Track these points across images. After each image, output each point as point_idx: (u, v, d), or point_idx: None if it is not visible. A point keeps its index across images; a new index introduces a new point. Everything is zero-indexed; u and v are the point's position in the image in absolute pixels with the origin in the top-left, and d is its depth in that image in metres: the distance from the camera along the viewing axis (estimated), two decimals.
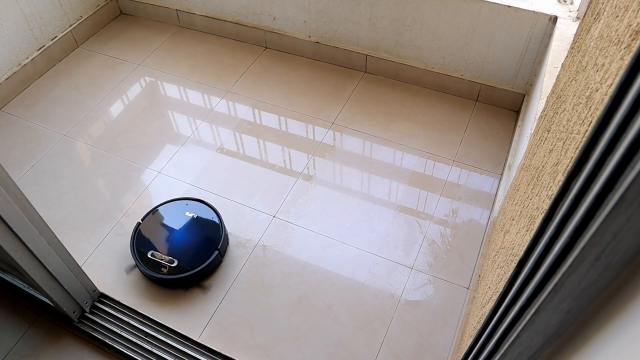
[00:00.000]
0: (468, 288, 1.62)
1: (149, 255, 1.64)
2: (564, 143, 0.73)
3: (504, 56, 2.01)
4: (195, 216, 1.73)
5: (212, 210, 1.76)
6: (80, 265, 1.45)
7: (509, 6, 1.86)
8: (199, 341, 1.50)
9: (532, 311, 0.49)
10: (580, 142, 0.61)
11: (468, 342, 1.01)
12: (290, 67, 2.40)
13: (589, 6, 0.98)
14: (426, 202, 1.86)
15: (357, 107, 2.20)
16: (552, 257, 0.44)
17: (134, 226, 1.73)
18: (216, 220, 1.73)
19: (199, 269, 1.61)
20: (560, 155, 0.73)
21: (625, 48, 0.53)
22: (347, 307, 1.59)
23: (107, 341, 1.49)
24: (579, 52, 0.90)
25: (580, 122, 0.65)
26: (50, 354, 1.52)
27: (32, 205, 1.18)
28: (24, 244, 1.18)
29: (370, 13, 2.13)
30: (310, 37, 2.37)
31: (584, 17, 1.02)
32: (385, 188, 1.91)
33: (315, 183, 1.93)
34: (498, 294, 0.62)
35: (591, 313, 0.43)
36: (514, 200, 1.21)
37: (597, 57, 0.67)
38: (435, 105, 2.19)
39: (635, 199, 0.32)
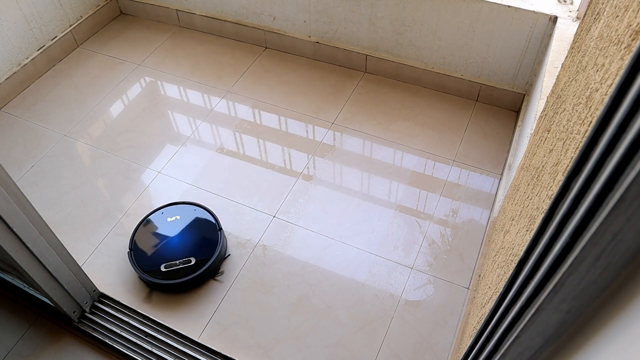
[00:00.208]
0: (468, 288, 1.62)
1: (162, 269, 1.62)
2: (564, 143, 0.73)
3: (504, 56, 2.01)
4: (176, 218, 1.74)
5: (194, 206, 1.77)
6: (80, 265, 1.45)
7: (509, 6, 1.86)
8: (199, 341, 1.50)
9: (532, 311, 0.49)
10: (580, 142, 0.61)
11: (468, 342, 1.01)
12: (290, 67, 2.40)
13: (589, 6, 0.98)
14: (426, 202, 1.86)
15: (357, 107, 2.20)
16: (552, 257, 0.44)
17: (126, 252, 1.71)
18: (207, 216, 1.74)
19: (214, 257, 1.62)
20: (560, 155, 0.73)
21: (625, 48, 0.53)
22: (347, 307, 1.59)
23: (107, 341, 1.49)
24: (579, 52, 0.90)
25: (580, 122, 0.65)
26: (50, 354, 1.52)
27: (32, 205, 1.18)
28: (24, 244, 1.18)
29: (370, 13, 2.13)
30: (310, 37, 2.37)
31: (584, 17, 1.02)
32: (385, 188, 1.91)
33: (315, 183, 1.93)
34: (498, 294, 0.62)
35: (591, 313, 0.43)
36: (514, 200, 1.21)
37: (597, 57, 0.67)
38: (435, 105, 2.19)
39: (635, 199, 0.32)
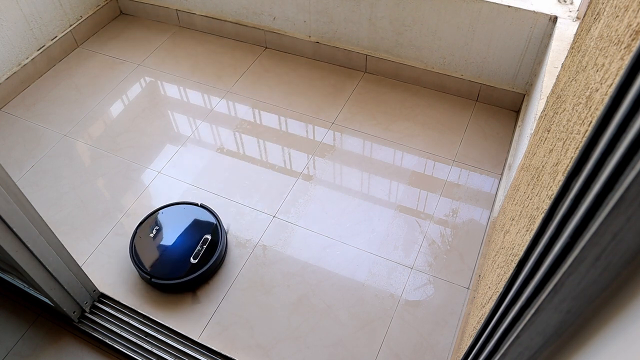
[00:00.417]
0: (468, 288, 1.62)
1: (192, 260, 1.63)
2: (564, 143, 0.73)
3: (504, 56, 2.01)
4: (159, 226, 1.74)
5: (186, 205, 1.77)
6: (80, 265, 1.45)
7: (509, 6, 1.86)
8: (199, 341, 1.50)
9: (532, 311, 0.49)
10: (580, 142, 0.61)
11: (468, 342, 1.01)
12: (290, 67, 2.40)
13: (589, 6, 0.98)
14: (426, 202, 1.86)
15: (357, 107, 2.20)
16: (552, 257, 0.44)
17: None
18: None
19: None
20: (560, 155, 0.73)
21: (625, 48, 0.53)
22: (347, 307, 1.59)
23: (107, 341, 1.49)
24: (579, 52, 0.90)
25: (580, 122, 0.65)
26: (50, 354, 1.52)
27: (32, 205, 1.18)
28: (24, 244, 1.18)
29: (370, 13, 2.13)
30: (310, 37, 2.37)
31: (584, 17, 1.02)
32: (385, 188, 1.91)
33: (315, 183, 1.93)
34: (498, 294, 0.62)
35: (591, 313, 0.43)
36: (514, 200, 1.21)
37: (597, 57, 0.67)
38: (435, 105, 2.19)
39: (635, 199, 0.32)
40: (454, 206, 1.84)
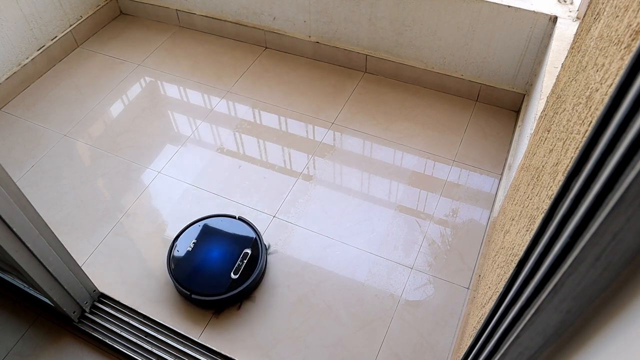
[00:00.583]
0: (468, 288, 1.62)
1: (232, 276, 1.58)
2: (564, 143, 0.73)
3: (504, 56, 2.01)
4: (195, 242, 1.68)
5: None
6: (80, 265, 1.45)
7: (509, 6, 1.86)
8: (199, 341, 1.50)
9: (532, 311, 0.49)
10: (580, 142, 0.61)
11: (468, 342, 1.01)
12: (290, 67, 2.40)
13: (589, 6, 0.98)
14: (426, 202, 1.86)
15: (357, 107, 2.20)
16: (552, 257, 0.44)
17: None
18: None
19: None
20: (560, 155, 0.73)
21: (625, 48, 0.53)
22: (347, 307, 1.59)
23: (107, 341, 1.49)
24: (579, 52, 0.90)
25: (580, 122, 0.65)
26: (50, 354, 1.52)
27: (32, 205, 1.18)
28: (24, 244, 1.18)
29: (370, 13, 2.13)
30: (310, 37, 2.37)
31: (584, 17, 1.02)
32: (385, 188, 1.91)
33: (315, 183, 1.93)
34: (498, 294, 0.62)
35: (591, 313, 0.43)
36: (514, 200, 1.21)
37: (597, 57, 0.67)
38: (435, 105, 2.19)
39: (635, 199, 0.32)
40: (454, 206, 1.84)
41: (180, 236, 1.68)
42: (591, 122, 0.58)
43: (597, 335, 0.42)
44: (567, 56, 1.11)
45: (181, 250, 1.65)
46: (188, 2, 2.55)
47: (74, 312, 1.51)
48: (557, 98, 1.01)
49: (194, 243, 1.66)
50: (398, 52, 2.22)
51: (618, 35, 0.58)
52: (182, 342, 1.50)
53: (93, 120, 2.20)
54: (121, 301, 1.59)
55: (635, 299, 0.36)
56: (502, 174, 1.92)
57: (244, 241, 1.67)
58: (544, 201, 0.74)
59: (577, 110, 0.70)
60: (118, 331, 1.51)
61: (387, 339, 1.52)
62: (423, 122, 2.13)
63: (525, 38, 1.92)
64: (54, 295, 1.39)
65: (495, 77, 2.10)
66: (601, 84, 0.59)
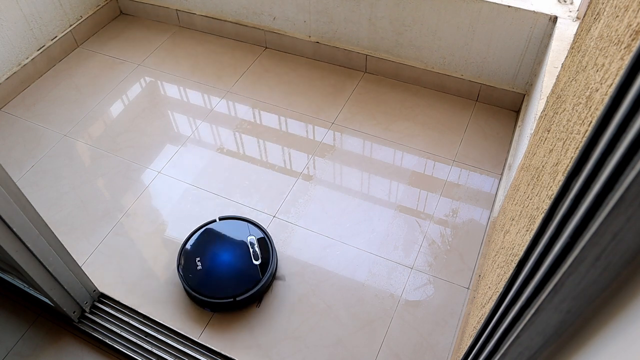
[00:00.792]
0: (468, 288, 1.62)
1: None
2: (564, 143, 0.73)
3: (504, 56, 2.01)
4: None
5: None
6: (80, 265, 1.45)
7: (509, 6, 1.86)
8: (199, 341, 1.50)
9: (532, 311, 0.49)
10: (580, 142, 0.61)
11: (468, 342, 1.01)
12: (290, 67, 2.40)
13: (589, 6, 0.98)
14: (426, 202, 1.86)
15: (357, 107, 2.20)
16: (552, 257, 0.44)
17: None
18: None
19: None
20: (560, 155, 0.73)
21: (625, 48, 0.53)
22: (347, 307, 1.59)
23: (107, 341, 1.49)
24: (579, 52, 0.90)
25: (580, 122, 0.65)
26: (50, 354, 1.52)
27: (32, 205, 1.17)
28: (24, 244, 1.18)
29: (370, 13, 2.13)
30: (310, 37, 2.37)
31: (584, 17, 1.02)
32: (385, 188, 1.91)
33: (315, 183, 1.93)
34: (498, 294, 0.62)
35: (591, 313, 0.43)
36: (514, 200, 1.21)
37: (597, 57, 0.67)
38: (435, 105, 2.19)
39: (635, 199, 0.32)
40: (454, 206, 1.84)
41: (181, 265, 1.63)
42: (591, 122, 0.58)
43: (597, 335, 0.42)
44: (567, 56, 1.11)
45: (193, 273, 1.60)
46: (188, 2, 2.55)
47: (74, 312, 1.51)
48: (557, 98, 1.01)
49: (199, 261, 1.62)
50: (398, 52, 2.22)
51: (618, 35, 0.58)
52: (182, 342, 1.50)
53: (93, 120, 2.20)
54: (121, 301, 1.59)
55: (635, 299, 0.36)
56: (502, 174, 1.92)
57: (241, 233, 1.68)
58: (544, 201, 0.74)
59: (577, 110, 0.70)
60: (118, 331, 1.51)
61: (387, 339, 1.52)
62: (423, 122, 2.13)
63: (525, 38, 1.92)
64: (54, 295, 1.39)
65: (495, 77, 2.10)
66: (601, 84, 0.59)
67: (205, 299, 1.54)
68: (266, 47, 2.51)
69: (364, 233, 1.77)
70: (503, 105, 2.16)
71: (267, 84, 2.33)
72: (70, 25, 2.51)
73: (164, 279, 1.67)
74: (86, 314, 1.54)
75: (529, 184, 1.00)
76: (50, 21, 2.41)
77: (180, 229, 1.80)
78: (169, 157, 2.05)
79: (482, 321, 0.69)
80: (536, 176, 0.92)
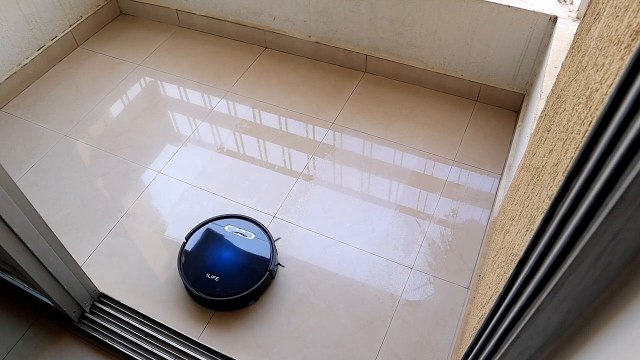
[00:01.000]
0: (468, 288, 1.62)
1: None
2: (564, 143, 0.73)
3: (504, 56, 2.01)
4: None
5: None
6: (80, 265, 1.45)
7: (509, 6, 1.86)
8: (199, 341, 1.50)
9: (532, 311, 0.49)
10: (580, 142, 0.61)
11: (468, 342, 1.01)
12: (290, 67, 2.40)
13: (589, 6, 0.98)
14: (426, 202, 1.86)
15: (357, 107, 2.20)
16: (552, 257, 0.44)
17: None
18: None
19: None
20: (560, 155, 0.73)
21: (625, 48, 0.53)
22: (347, 307, 1.59)
23: (107, 341, 1.49)
24: (579, 52, 0.90)
25: (580, 122, 0.65)
26: (50, 354, 1.52)
27: (32, 205, 1.18)
28: (24, 244, 1.18)
29: (370, 13, 2.13)
30: (310, 37, 2.37)
31: (584, 17, 1.02)
32: (385, 188, 1.91)
33: (315, 183, 1.93)
34: (498, 294, 0.62)
35: (591, 313, 0.43)
36: (514, 200, 1.21)
37: (597, 57, 0.67)
38: (435, 105, 2.19)
39: (635, 199, 0.32)
40: (454, 206, 1.84)
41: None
42: (591, 122, 0.58)
43: (597, 335, 0.42)
44: (567, 56, 1.11)
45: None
46: (188, 2, 2.55)
47: (74, 312, 1.51)
48: (557, 98, 1.01)
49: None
50: (398, 52, 2.22)
51: (618, 35, 0.58)
52: (182, 342, 1.50)
53: (93, 120, 2.20)
54: (121, 301, 1.59)
55: (635, 299, 0.36)
56: (502, 174, 1.92)
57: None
58: (544, 201, 0.74)
59: (577, 110, 0.70)
60: (118, 331, 1.51)
61: (387, 339, 1.52)
62: (423, 122, 2.13)
63: (525, 38, 1.92)
64: (54, 295, 1.39)
65: (495, 77, 2.10)
66: (601, 84, 0.59)
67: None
68: (266, 47, 2.51)
69: (364, 233, 1.77)
70: (503, 105, 2.16)
71: (267, 84, 2.33)
72: (70, 25, 2.51)
73: (164, 279, 1.67)
74: (86, 314, 1.54)
75: (529, 184, 1.00)
76: (50, 21, 2.41)
77: (180, 229, 1.80)
78: (169, 157, 2.05)
79: (482, 321, 0.69)
80: (536, 176, 0.92)
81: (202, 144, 2.10)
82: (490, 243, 1.58)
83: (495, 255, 1.22)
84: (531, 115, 1.64)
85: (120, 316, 1.55)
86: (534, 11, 1.83)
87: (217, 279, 1.58)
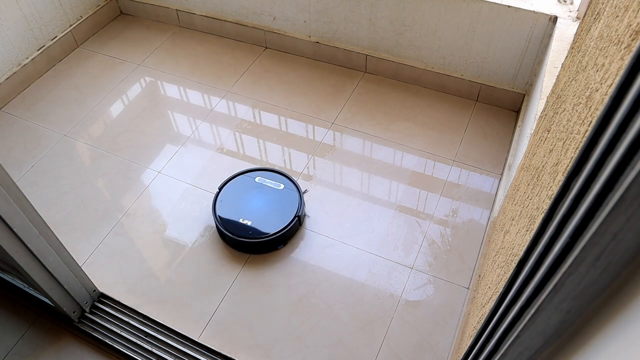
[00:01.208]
0: (468, 288, 1.62)
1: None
2: (564, 143, 0.73)
3: (504, 56, 2.01)
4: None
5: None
6: (80, 265, 1.45)
7: (509, 6, 1.86)
8: (199, 341, 1.50)
9: (532, 311, 0.49)
10: (580, 142, 0.61)
11: (468, 342, 1.01)
12: (290, 67, 2.40)
13: (589, 6, 0.98)
14: (426, 202, 1.86)
15: (357, 107, 2.20)
16: (552, 257, 0.44)
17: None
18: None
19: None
20: (560, 155, 0.73)
21: (625, 48, 0.53)
22: (347, 307, 1.59)
23: (107, 341, 1.49)
24: (579, 52, 0.91)
25: (580, 122, 0.65)
26: (50, 354, 1.52)
27: (32, 205, 1.18)
28: (24, 244, 1.18)
29: (370, 13, 2.13)
30: (310, 37, 2.37)
31: (584, 17, 1.02)
32: (385, 188, 1.91)
33: (315, 183, 1.93)
34: (498, 294, 0.62)
35: (591, 313, 0.43)
36: (514, 200, 1.21)
37: (597, 57, 0.67)
38: (435, 105, 2.19)
39: (635, 199, 0.32)
40: (454, 206, 1.84)
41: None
42: (591, 122, 0.58)
43: (597, 335, 0.42)
44: (567, 56, 1.11)
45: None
46: (188, 2, 2.55)
47: (74, 312, 1.51)
48: (557, 98, 1.01)
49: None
50: (398, 52, 2.22)
51: (618, 35, 0.58)
52: (182, 342, 1.50)
53: (93, 120, 2.20)
54: (121, 301, 1.59)
55: (635, 299, 0.36)
56: (502, 174, 1.92)
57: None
58: (544, 201, 0.74)
59: (577, 110, 0.70)
60: (118, 331, 1.51)
61: (387, 339, 1.52)
62: (423, 122, 2.13)
63: (525, 38, 1.92)
64: (54, 295, 1.39)
65: (495, 77, 2.10)
66: (601, 84, 0.59)
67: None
68: (266, 47, 2.51)
69: (364, 233, 1.77)
70: (503, 105, 2.16)
71: (267, 84, 2.33)
72: (70, 25, 2.51)
73: (164, 279, 1.67)
74: (86, 314, 1.54)
75: (529, 184, 1.00)
76: (50, 21, 2.41)
77: (181, 229, 1.80)
78: (169, 157, 2.05)
79: (482, 321, 0.69)
80: (536, 176, 0.92)
81: (202, 144, 2.10)
82: (490, 243, 1.58)
83: (495, 255, 1.22)
84: (531, 115, 1.64)
85: (120, 316, 1.55)
86: (534, 11, 1.83)
87: (249, 223, 1.69)
